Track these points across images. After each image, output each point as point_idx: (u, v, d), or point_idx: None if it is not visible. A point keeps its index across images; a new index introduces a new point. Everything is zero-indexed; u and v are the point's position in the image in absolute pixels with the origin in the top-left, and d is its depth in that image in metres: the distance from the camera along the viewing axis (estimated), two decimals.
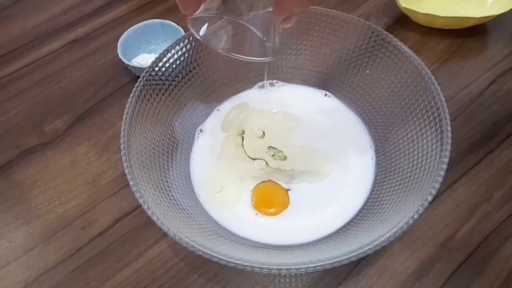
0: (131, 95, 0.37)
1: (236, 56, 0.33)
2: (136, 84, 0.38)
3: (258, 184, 0.42)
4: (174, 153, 0.42)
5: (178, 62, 0.41)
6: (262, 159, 0.43)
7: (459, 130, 0.46)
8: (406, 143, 0.39)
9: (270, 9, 0.27)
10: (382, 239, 0.29)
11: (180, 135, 0.43)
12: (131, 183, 0.33)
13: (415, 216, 0.30)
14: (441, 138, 0.34)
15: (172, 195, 0.37)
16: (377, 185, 0.40)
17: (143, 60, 0.53)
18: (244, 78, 0.48)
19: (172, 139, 0.42)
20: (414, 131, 0.38)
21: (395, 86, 0.41)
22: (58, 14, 0.63)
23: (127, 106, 0.37)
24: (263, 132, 0.45)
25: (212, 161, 0.44)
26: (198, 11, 0.28)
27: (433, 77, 0.36)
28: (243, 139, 0.44)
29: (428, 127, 0.36)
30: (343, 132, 0.45)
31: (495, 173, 0.43)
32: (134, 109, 0.37)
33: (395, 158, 0.40)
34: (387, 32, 0.40)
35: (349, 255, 0.28)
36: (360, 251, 0.28)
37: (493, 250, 0.39)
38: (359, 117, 0.46)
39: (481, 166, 0.44)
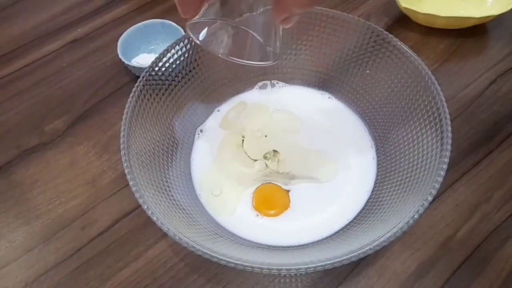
0: (131, 95, 0.37)
1: (236, 61, 0.33)
2: (136, 84, 0.38)
3: (259, 186, 0.42)
4: (174, 153, 0.42)
5: (178, 62, 0.41)
6: (262, 160, 0.43)
7: (459, 130, 0.46)
8: (406, 143, 0.39)
9: (270, 11, 0.27)
10: (382, 239, 0.29)
11: (180, 135, 0.43)
12: (131, 183, 0.33)
13: (415, 216, 0.30)
14: (441, 138, 0.34)
15: (172, 195, 0.37)
16: (377, 185, 0.40)
17: (143, 60, 0.53)
18: (244, 78, 0.48)
19: (172, 139, 0.42)
20: (414, 131, 0.38)
21: (395, 86, 0.41)
22: (58, 14, 0.63)
23: (127, 106, 0.37)
24: (264, 133, 0.45)
25: (212, 162, 0.44)
26: (198, 15, 0.28)
27: (433, 77, 0.36)
28: (243, 141, 0.44)
29: (428, 127, 0.36)
30: (344, 132, 0.45)
31: (495, 173, 0.43)
32: (134, 109, 0.37)
33: (395, 158, 0.40)
34: (387, 32, 0.40)
35: (349, 255, 0.28)
36: (360, 251, 0.28)
37: (493, 250, 0.39)
38: (359, 117, 0.46)
39: (481, 166, 0.44)
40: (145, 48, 0.55)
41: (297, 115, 0.46)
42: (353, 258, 0.28)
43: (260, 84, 0.49)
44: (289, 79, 0.49)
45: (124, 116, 0.36)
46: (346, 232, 0.37)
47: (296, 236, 0.38)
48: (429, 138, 0.35)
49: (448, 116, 0.34)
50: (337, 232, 0.38)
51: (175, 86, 0.42)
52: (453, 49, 0.54)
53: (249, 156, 0.43)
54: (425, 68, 0.37)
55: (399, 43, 0.39)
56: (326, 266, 0.28)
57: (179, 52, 0.41)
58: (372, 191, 0.40)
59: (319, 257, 0.29)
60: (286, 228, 0.39)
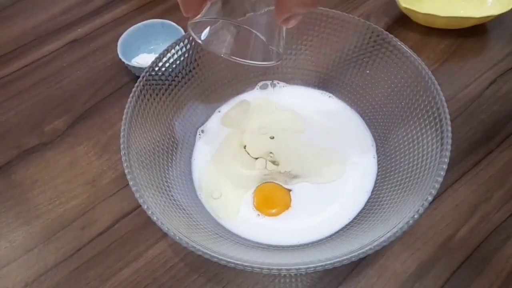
0: (131, 95, 0.37)
1: (238, 60, 0.32)
2: (136, 84, 0.38)
3: (260, 185, 0.42)
4: (174, 153, 0.42)
5: (178, 62, 0.41)
6: (263, 158, 0.43)
7: (459, 130, 0.46)
8: (406, 143, 0.39)
9: (274, 11, 0.27)
10: (382, 239, 0.29)
11: (180, 135, 0.43)
12: (131, 183, 0.33)
13: (416, 216, 0.30)
14: (441, 138, 0.34)
15: (172, 195, 0.37)
16: (377, 185, 0.40)
17: (143, 60, 0.53)
18: (244, 78, 0.48)
19: (172, 139, 0.42)
20: (414, 131, 0.38)
21: (395, 86, 0.41)
22: (58, 14, 0.63)
23: (127, 106, 0.37)
24: (266, 130, 0.45)
25: (212, 163, 0.44)
26: (200, 14, 0.28)
27: (433, 77, 0.36)
28: (244, 144, 0.44)
29: (428, 127, 0.36)
30: (344, 132, 0.45)
31: (495, 173, 0.43)
32: (134, 109, 0.37)
33: (395, 158, 0.40)
34: (387, 32, 0.40)
35: (350, 255, 0.28)
36: (360, 251, 0.28)
37: (493, 250, 0.39)
38: (359, 117, 0.46)
39: (481, 166, 0.44)
40: (145, 48, 0.55)
41: (299, 115, 0.46)
42: (353, 258, 0.28)
43: (260, 84, 0.49)
44: (289, 79, 0.49)
45: (124, 116, 0.36)
46: (346, 232, 0.37)
47: (296, 235, 0.38)
48: (429, 138, 0.35)
49: (448, 116, 0.34)
50: (337, 232, 0.38)
51: (175, 86, 0.42)
52: (453, 49, 0.54)
53: (249, 154, 0.43)
54: (425, 68, 0.37)
55: (399, 43, 0.39)
56: (326, 266, 0.28)
57: (179, 52, 0.41)
58: (372, 191, 0.40)
59: (319, 257, 0.29)
60: (287, 228, 0.39)
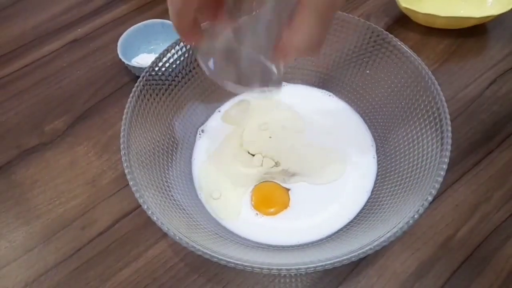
0: (131, 95, 0.37)
1: (244, 90, 0.32)
2: (136, 84, 0.38)
3: (258, 184, 0.42)
4: (174, 153, 0.42)
5: (178, 62, 0.41)
6: (261, 154, 0.43)
7: (459, 130, 0.46)
8: (406, 143, 0.39)
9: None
10: (382, 239, 0.29)
11: (180, 135, 0.43)
12: (131, 183, 0.33)
13: (416, 216, 0.30)
14: (441, 138, 0.34)
15: (172, 195, 0.37)
16: (377, 185, 0.40)
17: (143, 60, 0.53)
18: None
19: (172, 139, 0.42)
20: (414, 131, 0.38)
21: (395, 86, 0.41)
22: (58, 14, 0.63)
23: (127, 106, 0.37)
24: (266, 127, 0.45)
25: (213, 163, 0.44)
26: (206, 41, 0.28)
27: (433, 77, 0.36)
28: (243, 142, 0.44)
29: (428, 127, 0.36)
30: (344, 132, 0.45)
31: (495, 173, 0.43)
32: (134, 109, 0.37)
33: (395, 158, 0.40)
34: (387, 32, 0.40)
35: (350, 255, 0.28)
36: (360, 251, 0.28)
37: (493, 250, 0.39)
38: (359, 117, 0.46)
39: (481, 166, 0.44)
40: (145, 48, 0.55)
41: (300, 114, 0.46)
42: (353, 258, 0.28)
43: None
44: (289, 79, 0.49)
45: (124, 116, 0.36)
46: (346, 232, 0.37)
47: (296, 235, 0.38)
48: (429, 138, 0.35)
49: (448, 116, 0.34)
50: (337, 232, 0.38)
51: (175, 86, 0.42)
52: (453, 49, 0.54)
53: (248, 152, 0.43)
54: (425, 68, 0.37)
55: (399, 43, 0.39)
56: (326, 266, 0.28)
57: (179, 52, 0.41)
58: (372, 191, 0.40)
59: (319, 257, 0.29)
60: (286, 227, 0.39)
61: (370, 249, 0.29)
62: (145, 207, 0.31)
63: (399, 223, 0.30)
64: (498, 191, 0.42)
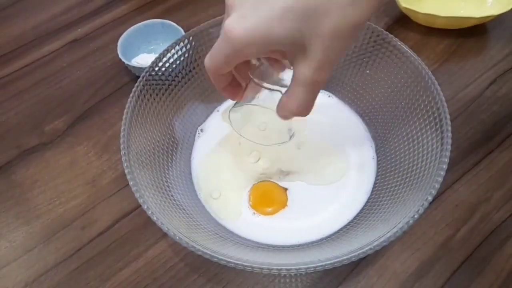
0: (131, 95, 0.37)
1: (260, 143, 0.37)
2: (136, 84, 0.38)
3: (256, 183, 0.42)
4: (174, 153, 0.42)
5: (178, 62, 0.41)
6: (257, 151, 0.43)
7: (459, 130, 0.46)
8: (406, 143, 0.39)
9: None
10: (382, 239, 0.29)
11: (180, 135, 0.43)
12: (131, 183, 0.33)
13: (416, 216, 0.30)
14: (441, 138, 0.34)
15: (172, 195, 0.37)
16: (377, 185, 0.40)
17: (143, 60, 0.53)
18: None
19: (172, 139, 0.42)
20: (414, 131, 0.38)
21: (395, 86, 0.41)
22: (58, 14, 0.63)
23: (127, 106, 0.37)
24: (264, 128, 0.45)
25: (211, 162, 0.44)
26: (242, 100, 0.33)
27: (433, 77, 0.36)
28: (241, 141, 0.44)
29: (428, 127, 0.36)
30: (344, 132, 0.45)
31: (495, 173, 0.43)
32: (134, 109, 0.37)
33: (395, 158, 0.40)
34: (387, 32, 0.40)
35: (350, 255, 0.28)
36: (360, 251, 0.28)
37: (493, 250, 0.39)
38: (359, 117, 0.46)
39: (481, 166, 0.44)
40: (145, 48, 0.55)
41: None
42: (353, 258, 0.28)
43: None
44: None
45: (124, 116, 0.36)
46: (346, 232, 0.37)
47: (296, 235, 0.38)
48: (429, 138, 0.35)
49: (448, 116, 0.34)
50: (337, 232, 0.38)
51: (175, 86, 0.42)
52: (453, 49, 0.54)
53: (247, 151, 0.43)
54: (425, 68, 0.37)
55: (399, 43, 0.39)
56: (326, 266, 0.28)
57: (179, 52, 0.41)
58: (372, 191, 0.40)
59: (319, 257, 0.29)
60: (286, 227, 0.39)
61: (370, 249, 0.28)
62: (145, 207, 0.31)
63: (399, 223, 0.30)
64: (498, 191, 0.42)
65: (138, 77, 0.39)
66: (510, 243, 0.39)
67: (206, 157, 0.44)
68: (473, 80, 0.51)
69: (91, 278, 0.39)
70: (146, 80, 0.39)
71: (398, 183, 0.37)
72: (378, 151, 0.43)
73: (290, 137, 0.37)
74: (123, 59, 0.50)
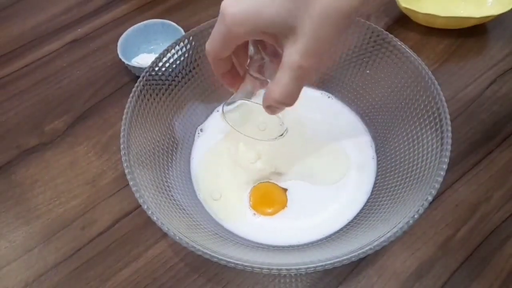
0: (131, 95, 0.37)
1: (254, 138, 0.38)
2: (136, 84, 0.38)
3: (256, 184, 0.42)
4: (174, 153, 0.42)
5: (178, 62, 0.41)
6: (257, 153, 0.43)
7: (459, 130, 0.46)
8: (406, 143, 0.39)
9: None
10: (382, 239, 0.29)
11: (180, 135, 0.43)
12: (131, 183, 0.33)
13: (416, 216, 0.30)
14: (441, 138, 0.34)
15: (172, 195, 0.37)
16: (377, 185, 0.40)
17: (143, 60, 0.53)
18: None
19: (172, 139, 0.42)
20: (414, 131, 0.38)
21: (395, 86, 0.41)
22: (58, 14, 0.63)
23: (127, 106, 0.37)
24: (264, 128, 0.45)
25: (210, 162, 0.44)
26: (234, 95, 0.33)
27: (433, 77, 0.36)
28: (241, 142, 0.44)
29: (428, 127, 0.36)
30: (344, 133, 0.45)
31: (495, 173, 0.43)
32: (134, 109, 0.37)
33: (395, 158, 0.40)
34: (387, 32, 0.40)
35: (350, 255, 0.28)
36: (360, 251, 0.28)
37: (493, 250, 0.39)
38: (359, 117, 0.46)
39: (481, 166, 0.44)
40: (145, 48, 0.55)
41: (298, 115, 0.46)
42: (353, 258, 0.28)
43: None
44: None
45: (124, 116, 0.36)
46: (346, 232, 0.37)
47: (295, 235, 0.38)
48: (429, 138, 0.35)
49: (448, 116, 0.34)
50: (337, 232, 0.38)
51: (175, 86, 0.42)
52: (453, 49, 0.54)
53: (246, 152, 0.43)
54: (425, 68, 0.37)
55: (399, 43, 0.39)
56: (326, 266, 0.28)
57: (179, 52, 0.41)
58: (372, 191, 0.40)
59: (319, 257, 0.29)
60: (286, 227, 0.39)
61: (370, 249, 0.28)
62: (145, 207, 0.31)
63: (399, 223, 0.30)
64: (498, 191, 0.42)
65: (138, 77, 0.39)
66: (510, 243, 0.39)
67: (206, 158, 0.44)
68: (473, 80, 0.51)
69: (91, 278, 0.39)
70: (146, 80, 0.39)
71: (398, 183, 0.37)
72: (378, 151, 0.43)
73: (283, 133, 0.37)
74: (123, 59, 0.50)
